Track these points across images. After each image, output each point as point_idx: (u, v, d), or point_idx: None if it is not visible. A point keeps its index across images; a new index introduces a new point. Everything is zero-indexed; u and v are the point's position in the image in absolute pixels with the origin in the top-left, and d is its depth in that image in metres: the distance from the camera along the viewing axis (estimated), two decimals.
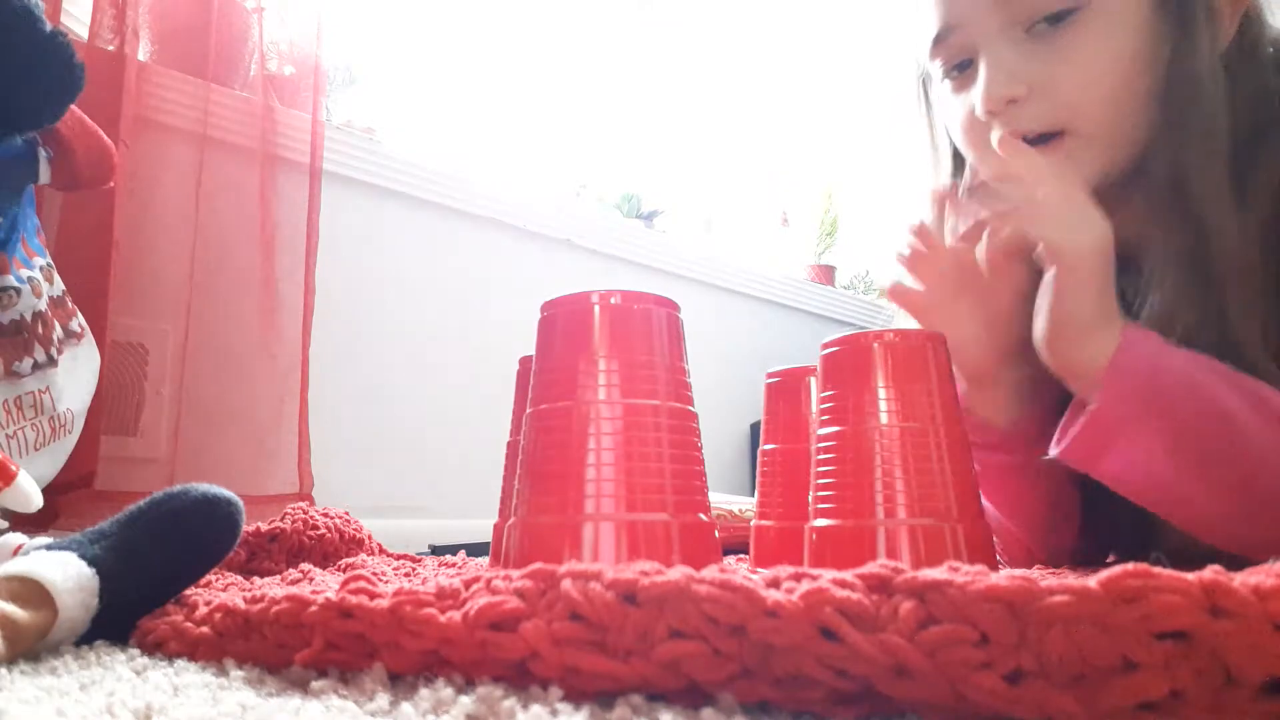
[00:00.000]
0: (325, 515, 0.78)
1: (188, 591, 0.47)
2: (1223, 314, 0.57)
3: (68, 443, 0.84)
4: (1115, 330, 0.56)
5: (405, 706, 0.28)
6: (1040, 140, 0.62)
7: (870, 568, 0.28)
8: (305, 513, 0.76)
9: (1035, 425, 0.64)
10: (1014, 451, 0.65)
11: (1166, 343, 0.56)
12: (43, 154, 0.80)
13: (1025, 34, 0.61)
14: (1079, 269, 0.57)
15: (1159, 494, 0.57)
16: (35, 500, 0.52)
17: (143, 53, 1.15)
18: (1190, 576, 0.25)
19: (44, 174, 0.80)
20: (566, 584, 0.30)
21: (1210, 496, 0.55)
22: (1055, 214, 0.58)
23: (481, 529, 0.86)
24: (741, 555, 0.79)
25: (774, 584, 0.29)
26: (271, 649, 0.35)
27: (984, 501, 0.70)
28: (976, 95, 0.64)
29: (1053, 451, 0.59)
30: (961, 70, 0.66)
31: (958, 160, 0.74)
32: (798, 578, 0.29)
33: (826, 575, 0.29)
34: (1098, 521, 0.68)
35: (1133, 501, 0.58)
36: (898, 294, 0.68)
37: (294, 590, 0.37)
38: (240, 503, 0.47)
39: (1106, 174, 0.63)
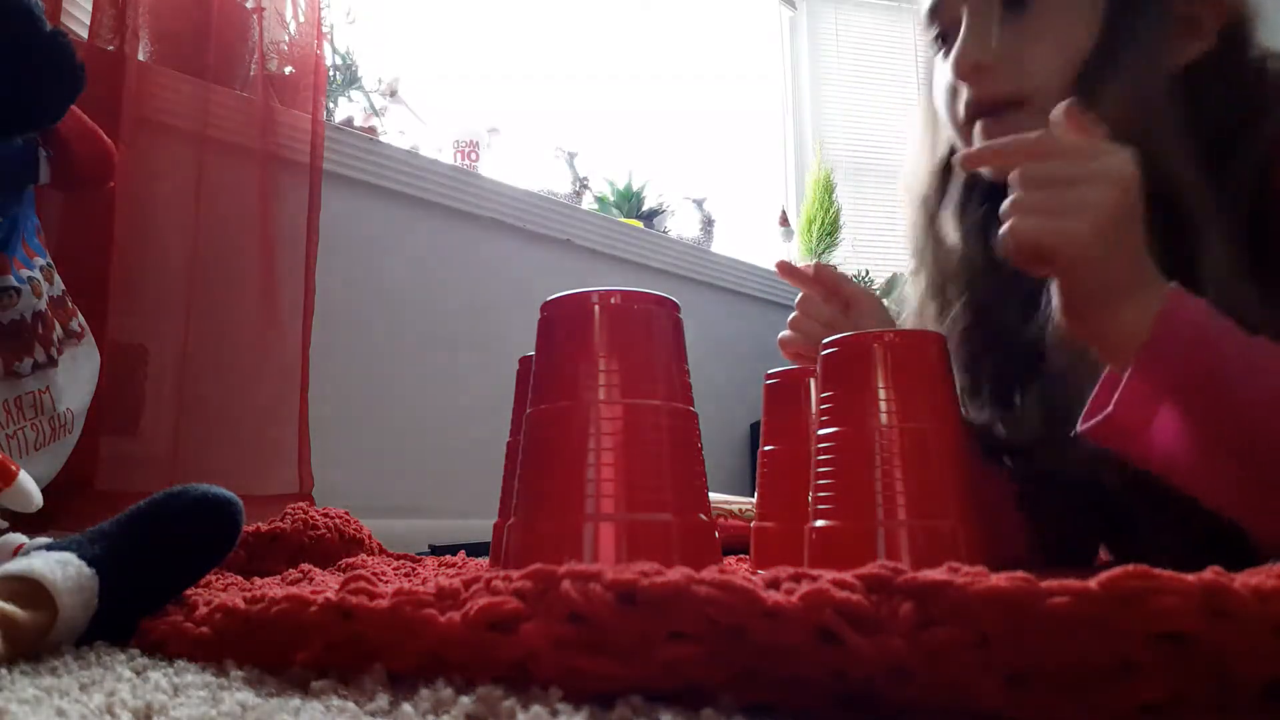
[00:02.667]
0: (325, 515, 0.78)
1: (188, 591, 0.47)
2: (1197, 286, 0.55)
3: (68, 443, 0.84)
4: (1154, 292, 0.52)
5: (405, 706, 0.28)
6: (1000, 108, 0.64)
7: (870, 568, 0.28)
8: (305, 513, 0.76)
9: None
10: None
11: (1211, 306, 0.52)
12: (43, 154, 0.80)
13: (1004, 9, 0.64)
14: (1092, 234, 0.52)
15: (1203, 474, 0.53)
16: (36, 500, 0.52)
17: (143, 53, 1.15)
18: (1190, 578, 0.25)
19: (44, 174, 0.80)
20: (566, 585, 0.30)
21: (1250, 483, 0.51)
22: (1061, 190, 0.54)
23: (481, 529, 0.86)
24: (741, 556, 0.79)
25: (774, 585, 0.29)
26: (271, 649, 0.35)
27: None
28: (950, 61, 0.67)
29: (1082, 428, 0.54)
30: (947, 40, 0.69)
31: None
32: (797, 578, 0.29)
33: (826, 576, 0.29)
34: (1049, 533, 0.68)
35: (1172, 483, 0.54)
36: (787, 344, 0.76)
37: (294, 590, 0.37)
38: (240, 503, 0.47)
39: None
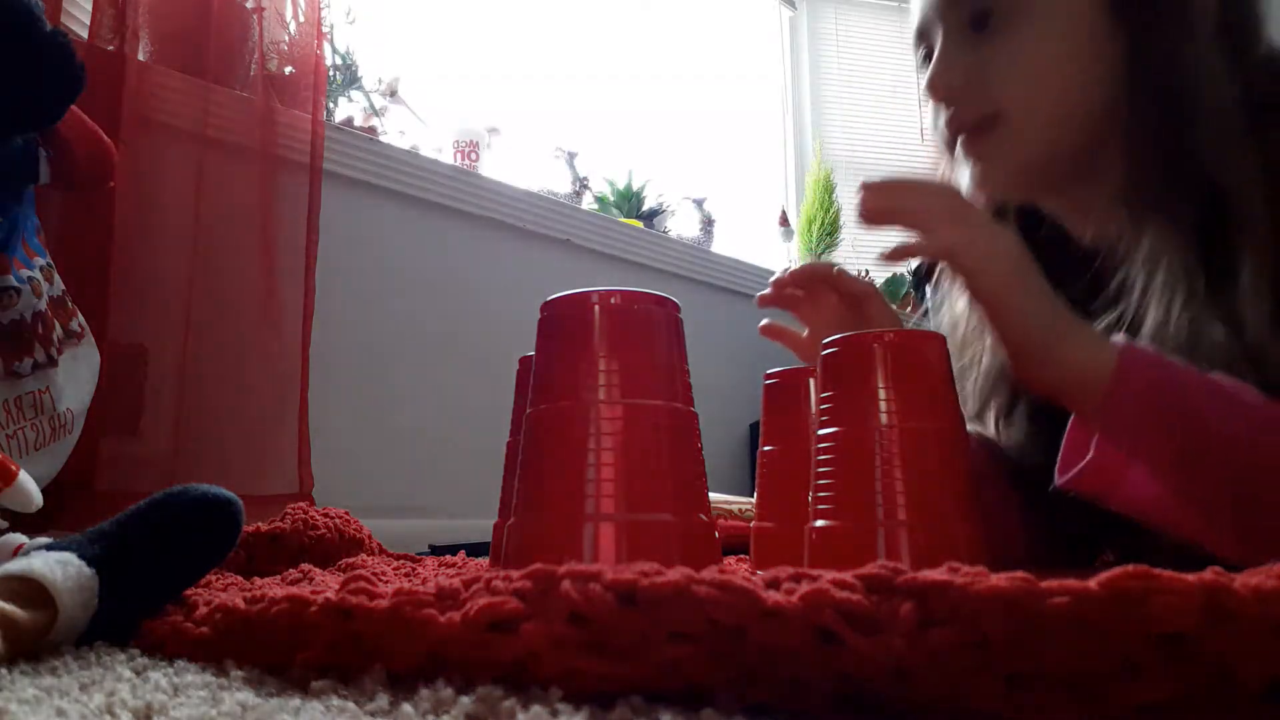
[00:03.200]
0: (325, 515, 0.78)
1: (188, 591, 0.47)
2: (1229, 296, 0.56)
3: (68, 443, 0.84)
4: (1088, 333, 0.55)
5: (405, 706, 0.28)
6: (976, 128, 0.66)
7: (870, 568, 0.28)
8: (305, 513, 0.76)
9: None
10: None
11: (1162, 356, 0.54)
12: (43, 154, 0.80)
13: (973, 32, 0.66)
14: (1002, 280, 0.56)
15: (1168, 517, 0.54)
16: (36, 500, 0.52)
17: (143, 53, 1.15)
18: (1190, 578, 0.25)
19: (44, 174, 0.80)
20: (566, 585, 0.30)
21: (1219, 515, 0.53)
22: (958, 235, 0.57)
23: (481, 529, 0.86)
24: (741, 556, 0.79)
25: (774, 585, 0.29)
26: (271, 649, 0.35)
27: None
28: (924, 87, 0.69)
29: (1059, 481, 0.56)
30: (928, 64, 0.70)
31: None
32: (797, 578, 0.29)
33: (826, 576, 0.29)
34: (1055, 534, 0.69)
35: (1155, 527, 0.55)
36: (772, 332, 0.77)
37: (294, 590, 0.37)
38: (240, 503, 0.47)
39: (1038, 165, 0.66)
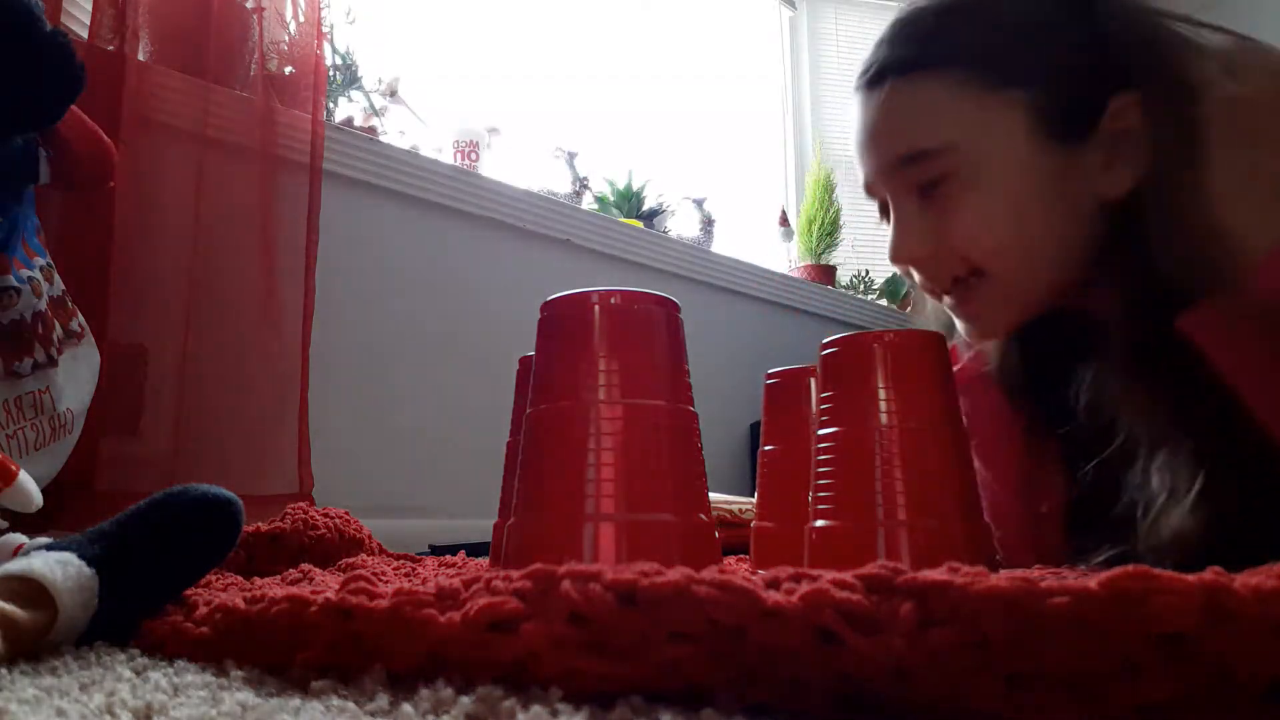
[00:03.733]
0: (325, 515, 0.78)
1: (188, 591, 0.47)
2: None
3: (68, 443, 0.84)
4: None
5: (405, 706, 0.28)
6: (960, 283, 0.66)
7: (870, 568, 0.28)
8: (305, 513, 0.76)
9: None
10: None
11: None
12: (43, 154, 0.80)
13: (920, 196, 0.65)
14: None
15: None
16: (36, 500, 0.52)
17: (143, 53, 1.15)
18: (1190, 578, 0.25)
19: (44, 174, 0.80)
20: (566, 585, 0.30)
21: None
22: None
23: (481, 529, 0.86)
24: (742, 556, 0.79)
25: (774, 585, 0.29)
26: (271, 649, 0.35)
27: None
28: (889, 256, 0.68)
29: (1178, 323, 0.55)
30: (885, 214, 0.69)
31: None
32: (797, 578, 0.29)
33: (826, 576, 0.29)
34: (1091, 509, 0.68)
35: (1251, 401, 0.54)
36: None
37: (294, 590, 0.37)
38: (240, 503, 0.47)
39: (1032, 305, 0.66)
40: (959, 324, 0.69)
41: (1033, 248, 0.63)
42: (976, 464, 0.69)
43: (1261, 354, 0.53)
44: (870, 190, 0.69)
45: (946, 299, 0.68)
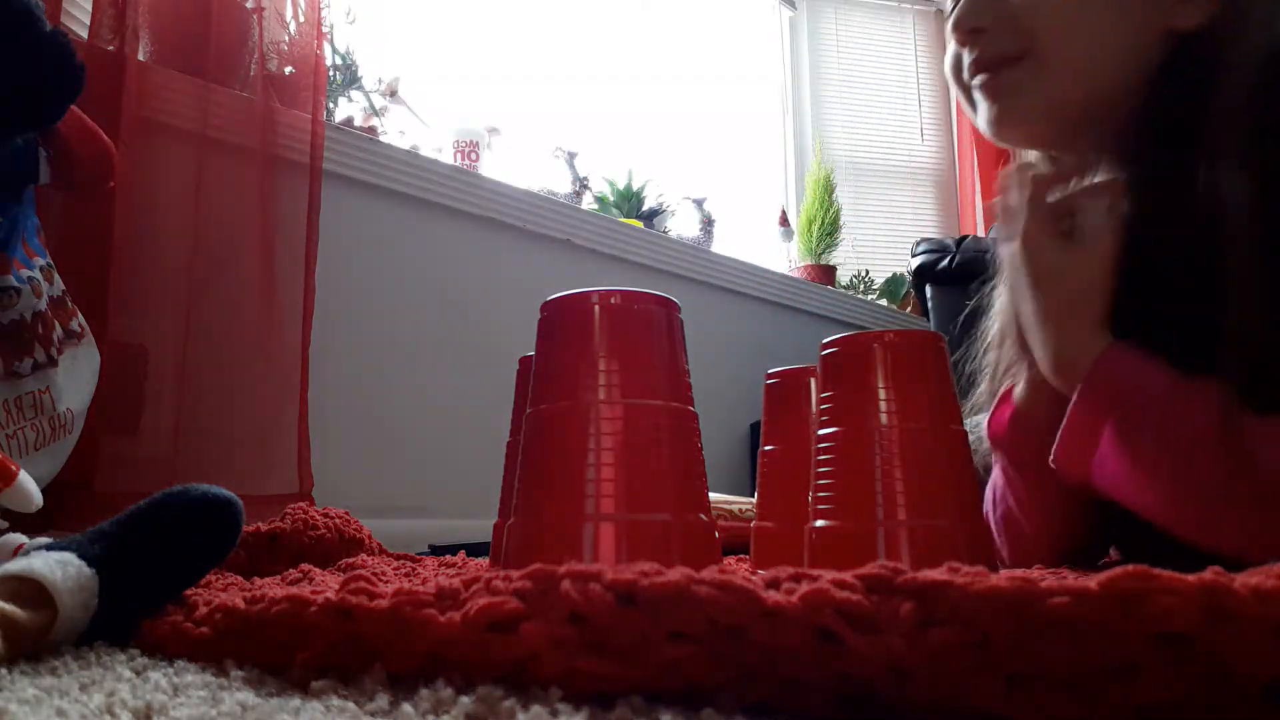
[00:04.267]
0: (325, 515, 0.77)
1: (188, 591, 0.47)
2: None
3: (68, 443, 0.84)
4: (1098, 345, 0.58)
5: (405, 706, 0.28)
6: (1000, 65, 0.65)
7: (870, 568, 0.28)
8: (305, 513, 0.76)
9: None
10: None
11: (1146, 357, 0.57)
12: (43, 154, 0.80)
13: None
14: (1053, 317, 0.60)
15: (1137, 496, 0.57)
16: (36, 500, 0.52)
17: (143, 53, 1.15)
18: (1190, 578, 0.25)
19: (44, 174, 0.80)
20: (566, 585, 0.30)
21: (1178, 498, 0.55)
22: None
23: (481, 529, 0.86)
24: (741, 555, 0.79)
25: (774, 585, 0.29)
26: (271, 649, 0.35)
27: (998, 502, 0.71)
28: (949, 26, 0.68)
29: (1050, 460, 0.60)
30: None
31: None
32: (797, 578, 0.29)
33: (826, 576, 0.29)
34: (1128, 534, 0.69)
35: (1131, 507, 0.58)
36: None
37: (294, 590, 0.37)
38: (240, 503, 0.47)
39: (1058, 107, 0.65)
40: (982, 114, 0.67)
41: (1093, 41, 0.62)
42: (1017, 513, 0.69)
43: None
44: None
45: (979, 81, 0.66)
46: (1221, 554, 0.52)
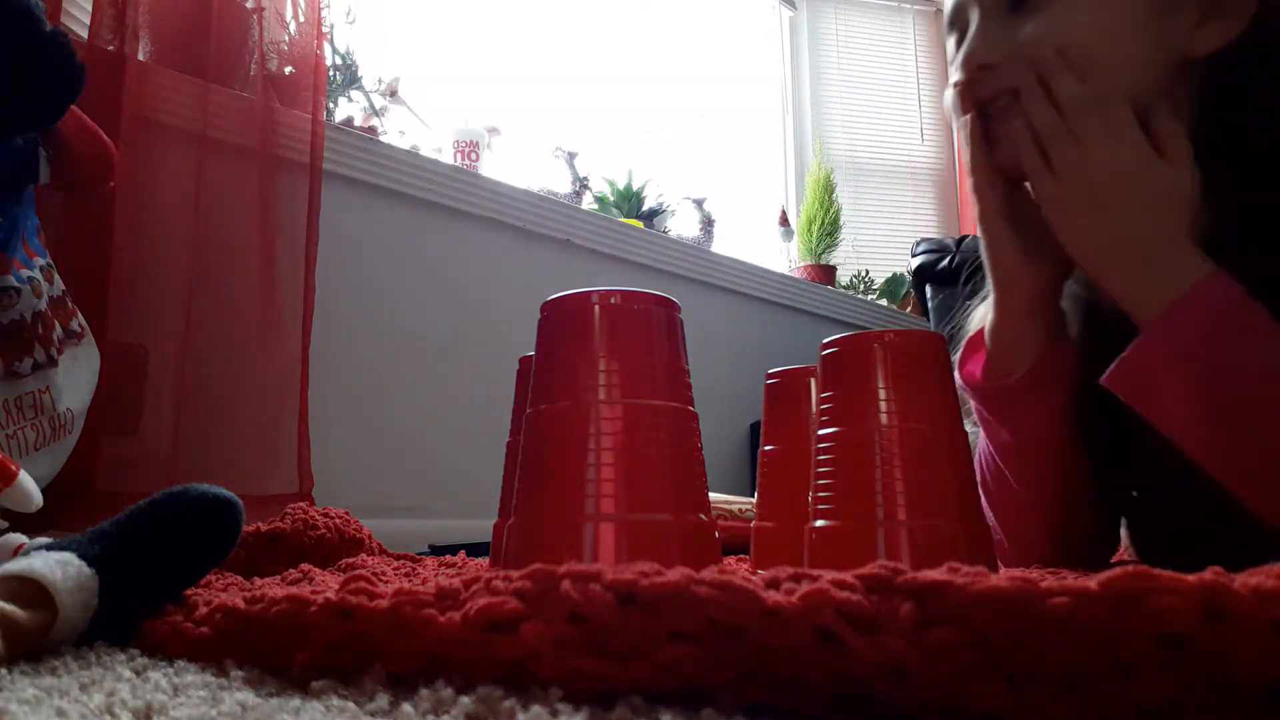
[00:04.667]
0: (325, 515, 0.77)
1: (188, 591, 0.47)
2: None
3: (68, 443, 0.84)
4: (1193, 271, 0.55)
5: (405, 706, 0.28)
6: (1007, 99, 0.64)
7: (870, 568, 0.28)
8: (305, 513, 0.76)
9: (1060, 368, 0.64)
10: (1029, 405, 0.65)
11: (1250, 299, 0.54)
12: (43, 154, 0.80)
13: (1010, 11, 0.64)
14: (1100, 206, 0.58)
15: (1198, 445, 0.55)
16: (36, 500, 0.52)
17: (143, 53, 1.15)
18: (1190, 578, 0.25)
19: (44, 174, 0.80)
20: (566, 585, 0.30)
21: (1247, 459, 0.53)
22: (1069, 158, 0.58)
23: (481, 529, 0.86)
24: (742, 555, 0.79)
25: (774, 585, 0.29)
26: (271, 649, 0.35)
27: (995, 487, 0.70)
28: (958, 62, 0.67)
29: (1103, 379, 0.58)
30: (960, 45, 0.69)
31: None
32: (797, 578, 0.29)
33: (826, 576, 0.29)
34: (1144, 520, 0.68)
35: (1181, 447, 0.56)
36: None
37: (294, 590, 0.37)
38: (240, 503, 0.47)
39: None
40: (971, 148, 0.66)
41: (1103, 74, 0.61)
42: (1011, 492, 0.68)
43: None
44: (955, 19, 0.68)
45: (991, 117, 0.65)
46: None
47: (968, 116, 0.66)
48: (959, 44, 0.68)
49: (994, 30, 0.64)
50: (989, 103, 0.65)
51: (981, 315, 0.72)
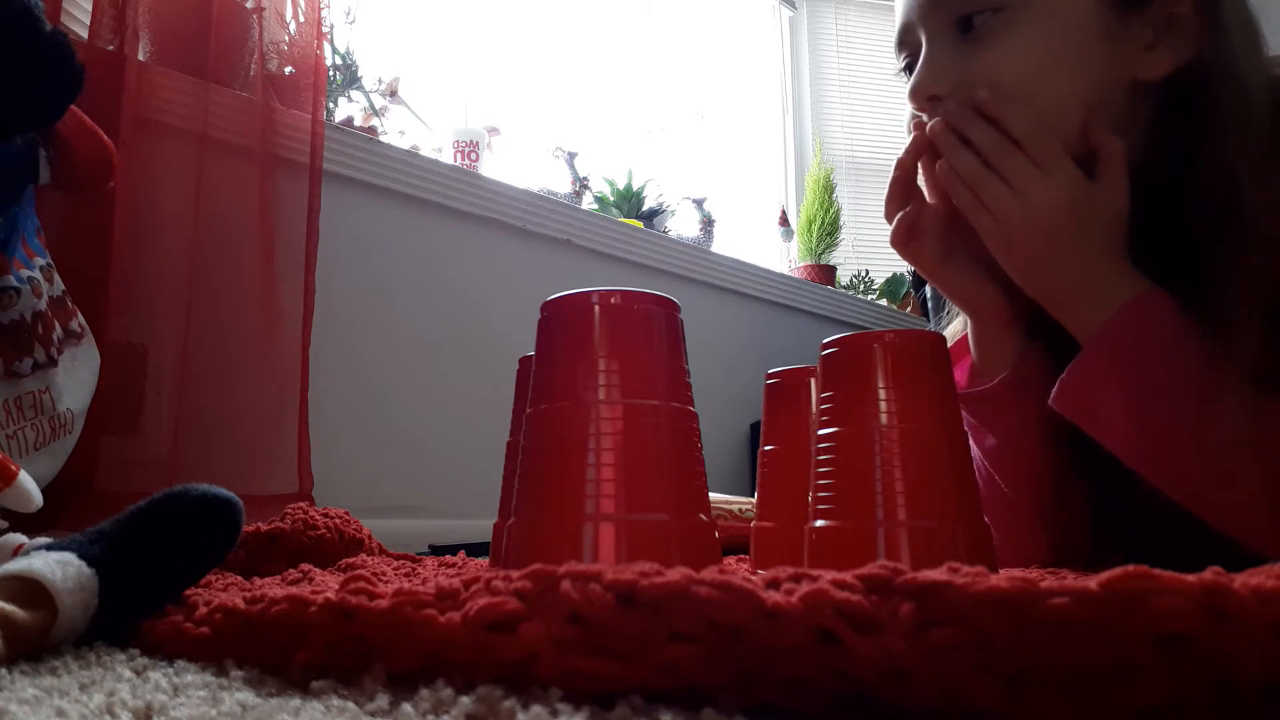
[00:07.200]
0: (325, 515, 0.77)
1: (188, 591, 0.47)
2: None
3: (68, 443, 0.84)
4: (1128, 290, 0.57)
5: (405, 706, 0.28)
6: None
7: (870, 568, 0.28)
8: (305, 513, 0.76)
9: (1036, 372, 0.65)
10: (1015, 409, 0.66)
11: (1182, 313, 0.55)
12: (43, 154, 0.80)
13: (960, 35, 0.64)
14: (1036, 238, 0.59)
15: (1140, 459, 0.57)
16: (36, 500, 0.52)
17: (143, 53, 1.15)
18: (1191, 579, 0.25)
19: (44, 174, 0.80)
20: (566, 585, 0.30)
21: (1184, 472, 0.55)
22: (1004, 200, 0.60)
23: (481, 529, 0.86)
24: (742, 555, 0.79)
25: (774, 585, 0.29)
26: (271, 649, 0.35)
27: (990, 485, 0.70)
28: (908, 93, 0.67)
29: (1050, 401, 0.60)
30: (911, 71, 0.68)
31: None
32: (797, 578, 0.29)
33: (826, 576, 0.29)
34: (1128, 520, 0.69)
35: (1129, 465, 0.58)
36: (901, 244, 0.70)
37: (294, 590, 0.37)
38: (240, 503, 0.47)
39: None
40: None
41: (1054, 108, 0.61)
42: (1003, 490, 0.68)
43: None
44: (904, 38, 0.68)
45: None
46: (1237, 540, 0.52)
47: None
48: (908, 65, 0.69)
49: (940, 58, 0.64)
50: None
51: (961, 325, 0.73)
